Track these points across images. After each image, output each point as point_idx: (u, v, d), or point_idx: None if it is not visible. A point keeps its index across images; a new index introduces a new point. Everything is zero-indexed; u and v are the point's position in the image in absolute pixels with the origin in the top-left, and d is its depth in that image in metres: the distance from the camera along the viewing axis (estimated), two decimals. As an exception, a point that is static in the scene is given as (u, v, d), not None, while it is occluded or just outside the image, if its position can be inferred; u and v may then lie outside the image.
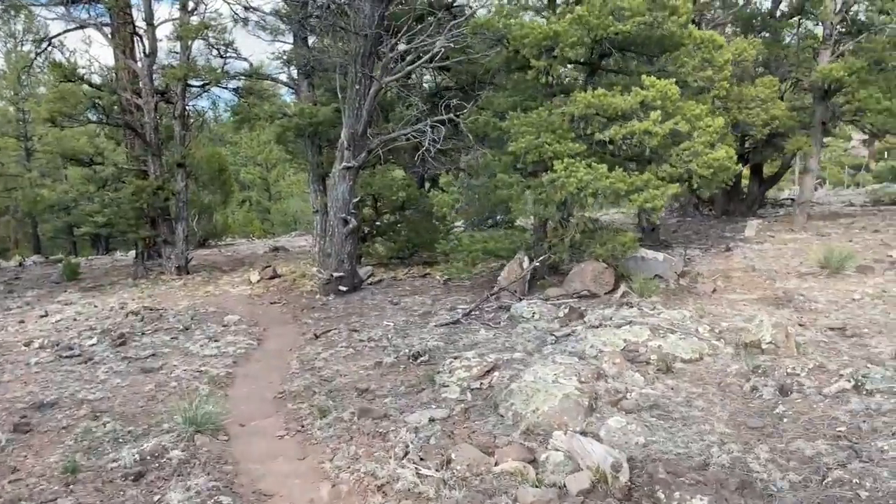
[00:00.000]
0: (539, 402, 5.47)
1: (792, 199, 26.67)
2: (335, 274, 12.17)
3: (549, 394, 5.54)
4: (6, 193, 36.93)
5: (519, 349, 7.61)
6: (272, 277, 15.54)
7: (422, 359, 7.53)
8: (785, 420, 5.28)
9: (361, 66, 11.68)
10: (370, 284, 13.31)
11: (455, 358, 7.22)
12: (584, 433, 5.05)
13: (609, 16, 9.09)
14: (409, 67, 11.77)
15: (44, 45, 19.00)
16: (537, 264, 10.13)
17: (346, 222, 12.20)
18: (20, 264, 22.53)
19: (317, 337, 9.32)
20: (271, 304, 12.65)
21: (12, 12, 18.08)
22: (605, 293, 10.04)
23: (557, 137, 9.68)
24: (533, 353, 7.28)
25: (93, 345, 9.70)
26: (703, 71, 9.93)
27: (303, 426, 6.06)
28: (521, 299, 9.90)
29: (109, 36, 17.78)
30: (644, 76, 9.24)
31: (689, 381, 6.20)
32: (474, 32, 10.74)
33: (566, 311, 8.92)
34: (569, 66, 10.09)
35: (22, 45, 28.35)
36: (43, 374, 8.34)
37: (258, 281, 15.48)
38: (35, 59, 16.44)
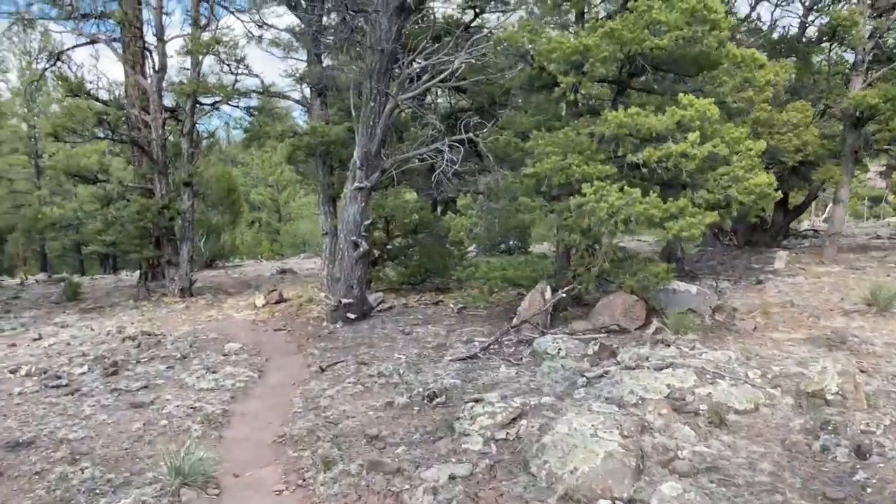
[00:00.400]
0: (578, 461, 4.70)
1: (814, 231, 25.86)
2: (344, 300, 11.47)
3: (589, 451, 4.77)
4: (14, 210, 36.68)
5: (546, 391, 6.85)
6: (278, 302, 14.87)
7: (438, 400, 6.78)
8: (869, 490, 4.50)
9: (377, 83, 11.11)
10: (380, 311, 12.59)
11: (476, 400, 6.46)
12: (632, 502, 4.28)
13: (644, 30, 8.46)
14: (426, 84, 11.20)
15: (53, 59, 18.63)
16: (563, 295, 9.39)
17: (356, 245, 11.54)
18: (22, 283, 21.99)
19: (322, 370, 8.59)
20: (276, 330, 11.95)
21: (25, 27, 17.70)
22: (636, 328, 9.28)
23: (585, 159, 9.01)
24: (563, 398, 6.51)
25: (83, 373, 9.01)
26: (742, 91, 9.26)
27: (304, 479, 5.31)
28: (543, 333, 9.14)
29: (120, 51, 17.42)
30: (682, 95, 8.58)
31: (748, 437, 5.41)
32: (496, 47, 10.15)
33: (596, 348, 8.16)
34: (595, 84, 9.43)
35: (37, 62, 28.20)
36: (25, 406, 7.64)
37: (263, 305, 14.81)
38: (43, 73, 16.02)
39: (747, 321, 9.73)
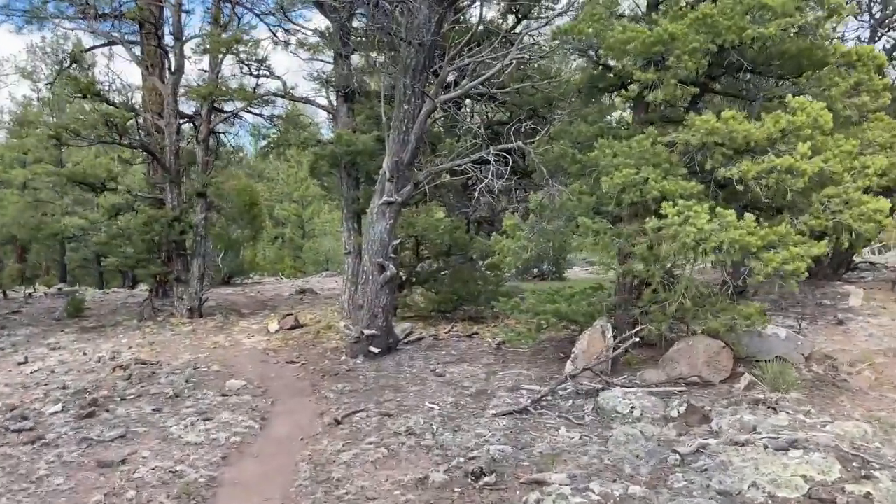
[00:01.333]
0: None
1: (871, 263, 23.78)
2: (366, 331, 9.94)
3: None
4: (37, 220, 35.90)
5: (629, 471, 5.20)
6: (293, 327, 13.38)
7: (486, 480, 5.17)
8: None
9: (413, 81, 9.68)
10: (407, 343, 11.02)
11: (537, 483, 4.85)
12: None
13: (744, 16, 6.89)
14: (469, 84, 9.72)
15: (70, 61, 17.61)
16: (636, 339, 7.73)
17: (382, 268, 10.03)
18: (29, 296, 20.88)
19: (338, 423, 7.02)
20: (288, 362, 10.43)
21: (35, 23, 16.66)
22: (722, 381, 7.58)
23: (663, 173, 7.41)
24: (656, 486, 4.86)
25: (55, 413, 7.57)
26: (856, 97, 7.61)
27: None
28: (608, 384, 7.48)
29: (138, 52, 16.32)
30: (790, 97, 6.95)
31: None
32: (554, 41, 8.65)
33: (681, 409, 6.49)
34: (671, 85, 7.84)
35: (56, 66, 27.44)
36: (-29, 457, 6.22)
37: (277, 331, 13.34)
38: (59, 75, 14.91)
39: (855, 375, 7.98)
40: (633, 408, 6.71)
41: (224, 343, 12.20)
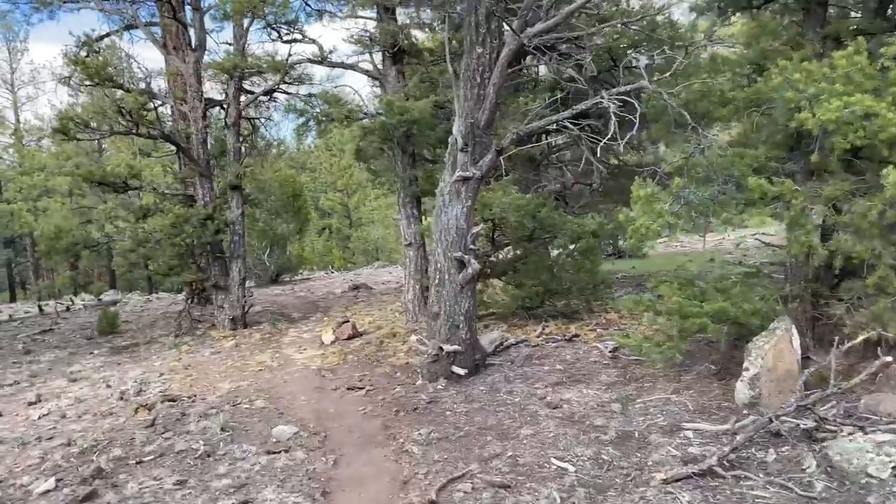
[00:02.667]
0: None
1: None
2: (446, 347, 7.68)
3: None
4: (81, 227, 34.90)
5: None
6: (351, 337, 11.28)
7: None
8: None
9: (486, 20, 7.30)
10: (495, 354, 8.75)
11: None
12: None
13: None
14: (570, 8, 7.24)
15: (87, 48, 15.79)
16: (837, 347, 5.24)
17: (462, 265, 7.74)
18: (66, 309, 19.45)
19: None
20: (349, 389, 8.28)
21: (43, 10, 14.86)
22: None
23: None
24: None
25: (45, 493, 5.57)
26: None
27: None
28: (821, 421, 5.01)
29: (158, 35, 14.36)
30: None
31: None
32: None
33: None
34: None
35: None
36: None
37: (332, 342, 11.26)
38: (76, 64, 13.03)
39: None
40: (891, 464, 4.26)
41: (271, 363, 10.14)
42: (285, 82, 13.59)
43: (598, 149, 7.28)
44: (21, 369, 11.22)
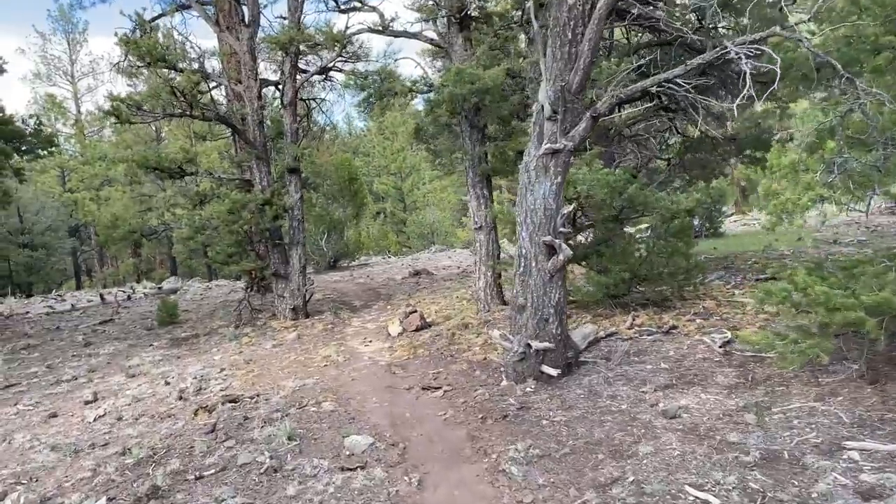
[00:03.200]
0: None
1: None
2: (535, 345, 6.75)
3: None
4: (139, 215, 35.45)
5: None
6: (419, 328, 10.49)
7: None
8: None
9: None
10: (587, 350, 7.77)
11: None
12: None
13: None
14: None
15: (140, 31, 15.36)
16: None
17: (552, 251, 6.77)
18: (129, 297, 19.37)
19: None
20: (424, 389, 7.46)
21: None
22: None
23: None
24: None
25: (96, 515, 4.95)
26: None
27: None
28: None
29: (211, 13, 13.75)
30: None
31: None
32: None
33: None
34: None
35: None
36: None
37: (399, 334, 10.50)
38: (126, 46, 12.57)
39: None
40: None
41: (337, 357, 9.44)
42: (342, 57, 12.79)
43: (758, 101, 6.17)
44: (80, 363, 10.88)
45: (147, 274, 39.36)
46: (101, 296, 19.05)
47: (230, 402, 7.46)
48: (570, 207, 6.83)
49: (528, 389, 6.68)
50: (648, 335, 8.34)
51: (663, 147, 15.14)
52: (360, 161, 43.40)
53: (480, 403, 6.60)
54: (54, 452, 6.45)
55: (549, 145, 6.70)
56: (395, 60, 12.06)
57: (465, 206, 37.15)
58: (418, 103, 10.69)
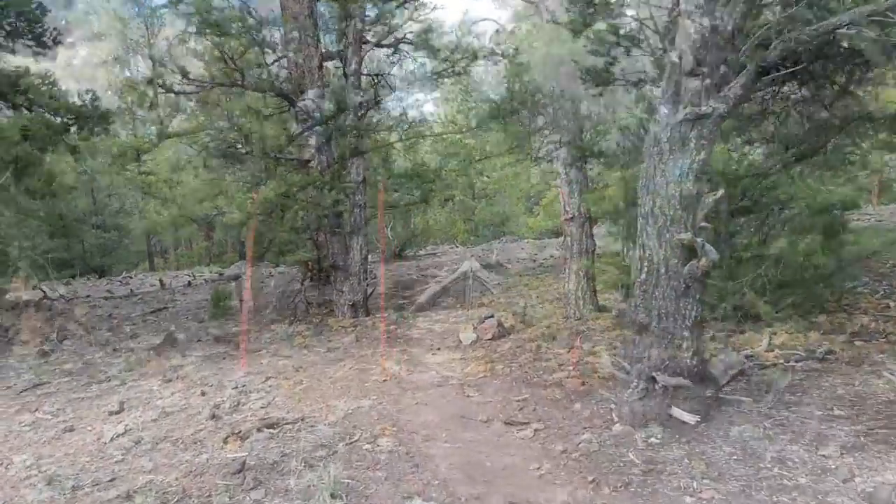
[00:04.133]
0: None
1: None
2: (663, 379, 4.99)
3: None
4: (211, 198, 34.92)
5: None
6: (496, 337, 8.86)
7: None
8: None
9: None
10: (726, 384, 5.93)
11: None
12: None
13: None
14: None
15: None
16: None
17: (691, 252, 4.98)
18: (189, 283, 18.59)
19: None
20: (507, 424, 5.82)
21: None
22: None
23: None
24: None
25: None
26: None
27: None
28: None
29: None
30: None
31: None
32: None
33: None
34: None
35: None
36: None
37: (473, 342, 8.90)
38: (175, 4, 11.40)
39: None
40: None
41: (398, 369, 7.92)
42: (413, 20, 11.20)
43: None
44: (119, 360, 9.81)
45: (220, 257, 39.25)
46: (161, 281, 18.35)
47: (268, 427, 6.05)
48: (719, 193, 4.99)
49: (652, 440, 4.93)
50: (797, 362, 6.43)
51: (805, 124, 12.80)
52: (426, 146, 42.04)
53: (587, 456, 4.90)
54: (49, 489, 5.17)
55: (691, 109, 4.89)
56: (474, 24, 10.36)
57: (539, 194, 34.82)
58: (492, 85, 8.99)
